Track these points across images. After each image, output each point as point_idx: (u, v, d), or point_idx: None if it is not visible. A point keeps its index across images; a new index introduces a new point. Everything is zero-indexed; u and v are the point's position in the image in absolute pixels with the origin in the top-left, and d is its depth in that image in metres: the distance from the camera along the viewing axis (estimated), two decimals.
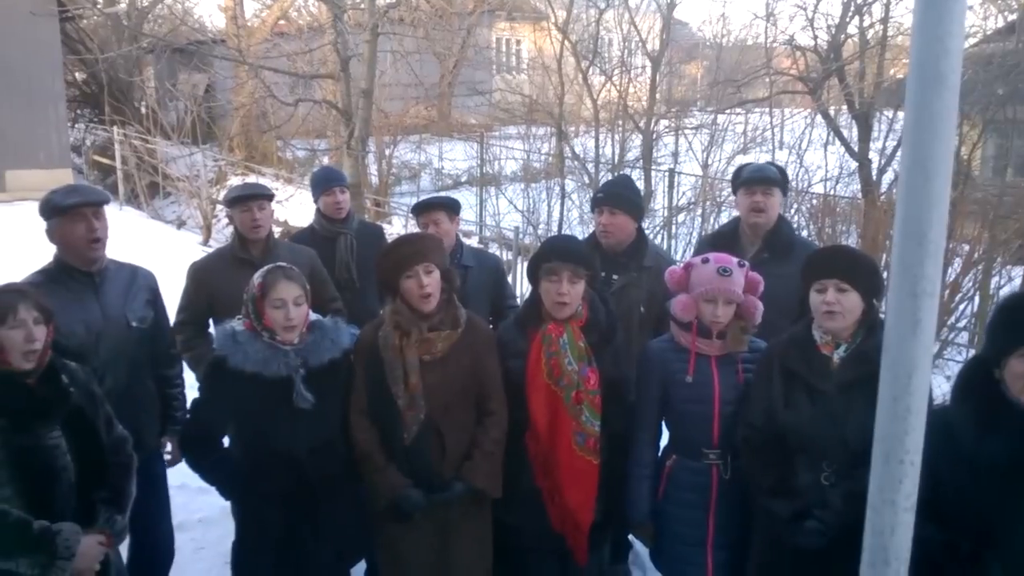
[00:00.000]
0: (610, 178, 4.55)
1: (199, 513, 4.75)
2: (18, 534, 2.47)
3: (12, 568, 2.47)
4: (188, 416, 3.13)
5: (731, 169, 10.92)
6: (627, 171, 11.41)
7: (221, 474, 3.16)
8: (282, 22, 18.03)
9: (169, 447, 3.62)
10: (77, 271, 3.30)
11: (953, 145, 0.95)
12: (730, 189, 9.63)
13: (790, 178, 9.11)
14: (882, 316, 2.84)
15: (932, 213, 0.98)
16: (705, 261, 3.11)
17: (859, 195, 9.39)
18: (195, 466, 3.16)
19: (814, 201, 8.59)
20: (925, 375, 1.01)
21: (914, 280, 0.98)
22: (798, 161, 9.58)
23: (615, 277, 3.75)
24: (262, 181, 11.92)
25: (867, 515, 1.05)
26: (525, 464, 3.20)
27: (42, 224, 3.32)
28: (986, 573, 2.40)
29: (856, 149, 10.37)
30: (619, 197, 3.86)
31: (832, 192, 8.38)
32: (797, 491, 2.85)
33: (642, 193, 10.86)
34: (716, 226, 9.42)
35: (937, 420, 2.41)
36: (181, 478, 4.55)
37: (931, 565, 2.41)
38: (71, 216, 3.23)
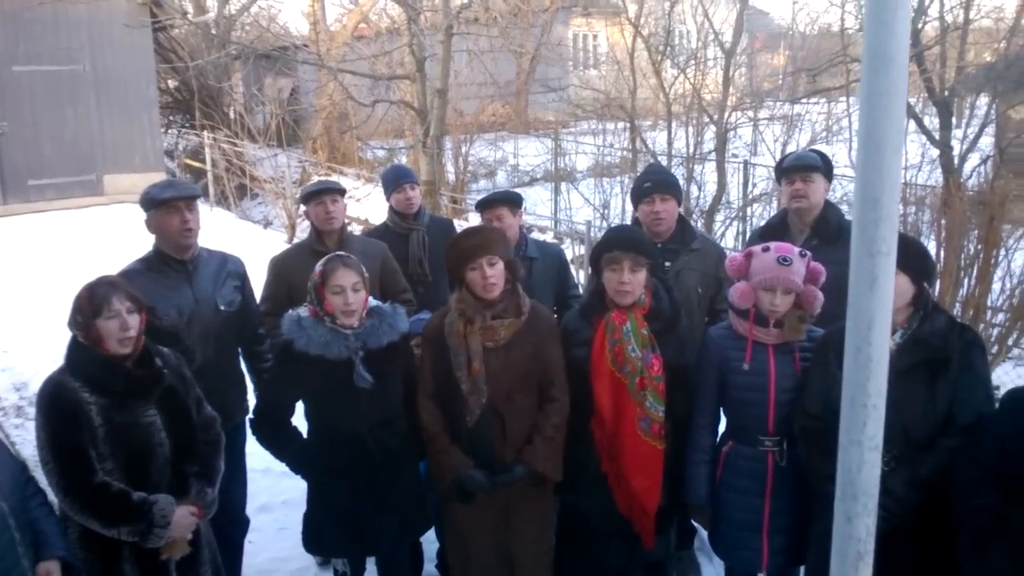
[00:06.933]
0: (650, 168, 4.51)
1: (282, 496, 4.96)
2: (119, 504, 2.71)
3: (114, 535, 2.72)
4: (258, 396, 3.33)
5: None
6: (701, 164, 11.37)
7: (290, 450, 3.34)
8: (362, 26, 18.43)
9: None
10: (172, 259, 3.57)
11: (903, 120, 1.05)
12: None
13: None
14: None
15: (884, 180, 1.09)
16: (766, 250, 3.11)
17: (940, 183, 9.13)
18: (265, 443, 3.34)
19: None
20: (883, 327, 1.11)
21: (870, 241, 1.09)
22: None
23: (667, 264, 3.76)
24: (343, 181, 12.23)
25: (838, 455, 1.16)
26: (592, 450, 3.27)
27: (136, 224, 3.60)
28: None
29: (937, 136, 10.09)
30: (669, 183, 3.90)
31: (913, 181, 8.17)
32: None
33: (716, 185, 10.86)
34: None
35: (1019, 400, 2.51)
36: (265, 462, 4.76)
37: (981, 533, 2.49)
38: (167, 208, 3.50)
